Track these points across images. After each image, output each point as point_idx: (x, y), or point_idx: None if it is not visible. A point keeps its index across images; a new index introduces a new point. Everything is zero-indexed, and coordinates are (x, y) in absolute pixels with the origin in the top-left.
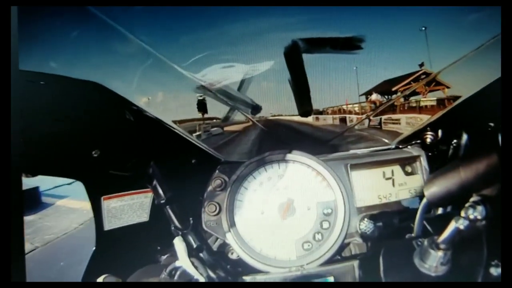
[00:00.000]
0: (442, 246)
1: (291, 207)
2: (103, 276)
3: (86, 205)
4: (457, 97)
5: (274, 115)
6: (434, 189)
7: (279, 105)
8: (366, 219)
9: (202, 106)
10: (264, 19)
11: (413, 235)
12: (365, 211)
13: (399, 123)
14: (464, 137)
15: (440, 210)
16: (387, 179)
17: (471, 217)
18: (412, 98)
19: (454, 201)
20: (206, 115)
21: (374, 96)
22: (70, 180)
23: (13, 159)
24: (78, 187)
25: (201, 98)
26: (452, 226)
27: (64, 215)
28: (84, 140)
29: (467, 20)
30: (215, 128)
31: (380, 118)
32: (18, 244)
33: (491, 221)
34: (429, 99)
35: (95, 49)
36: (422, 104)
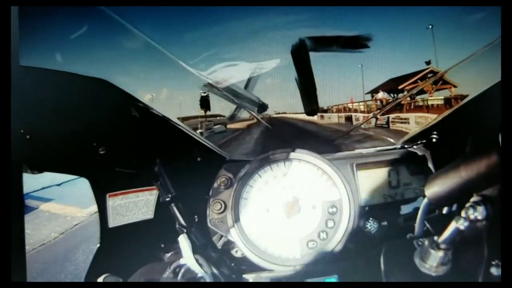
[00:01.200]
0: (442, 246)
1: (296, 205)
2: (103, 276)
3: (71, 210)
4: (464, 96)
5: (279, 113)
6: (435, 189)
7: (284, 102)
8: (371, 218)
9: (205, 103)
10: (271, 17)
11: (414, 235)
12: (370, 210)
13: (408, 123)
14: (469, 137)
15: (441, 210)
16: (393, 178)
17: (472, 217)
18: (419, 97)
19: (454, 201)
20: (208, 112)
21: (381, 94)
22: (58, 181)
23: (13, 159)
24: (66, 189)
25: (204, 95)
26: (452, 226)
27: (45, 222)
28: (90, 137)
29: (472, 18)
30: (217, 126)
31: (388, 117)
32: (19, 244)
33: (492, 221)
34: (436, 98)
35: (102, 46)
36: (429, 103)
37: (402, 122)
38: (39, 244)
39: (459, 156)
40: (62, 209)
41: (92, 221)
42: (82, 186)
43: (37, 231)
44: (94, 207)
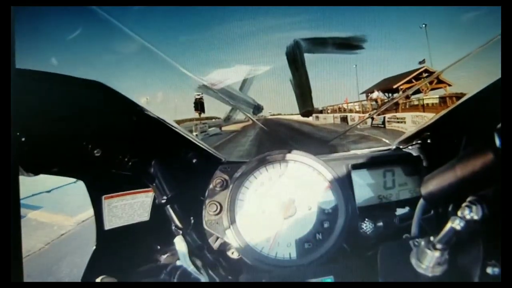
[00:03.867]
0: (438, 246)
1: (292, 207)
2: (100, 277)
3: (58, 218)
4: (459, 95)
5: (273, 115)
6: (431, 189)
7: (279, 104)
8: (366, 219)
9: (199, 105)
10: (266, 19)
11: (410, 235)
12: (365, 211)
13: (404, 122)
14: (464, 137)
15: (437, 210)
16: (388, 179)
17: (468, 217)
18: (414, 97)
19: (450, 201)
20: (203, 115)
21: (376, 94)
22: (48, 188)
23: (12, 160)
24: (56, 196)
25: (198, 97)
26: (448, 226)
27: (31, 231)
28: (86, 139)
29: (467, 17)
30: (212, 128)
31: (384, 117)
32: (16, 244)
33: (488, 221)
34: (431, 97)
35: (98, 49)
36: (424, 102)
37: (398, 122)
38: (24, 255)
39: (454, 156)
40: (50, 217)
41: (79, 230)
42: (72, 192)
43: (23, 241)
44: (82, 215)
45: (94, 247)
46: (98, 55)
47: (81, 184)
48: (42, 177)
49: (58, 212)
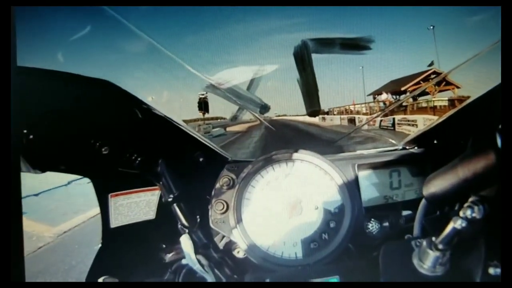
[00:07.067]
0: (440, 246)
1: (298, 206)
2: (102, 278)
3: (39, 228)
4: (468, 97)
5: (279, 115)
6: (433, 190)
7: (285, 105)
8: (372, 219)
9: (203, 105)
10: (274, 19)
11: (412, 235)
12: (371, 211)
13: (416, 125)
14: (471, 138)
15: (440, 211)
16: (394, 179)
17: (470, 217)
18: (422, 98)
19: (453, 202)
20: (207, 115)
21: (384, 96)
22: (36, 191)
23: (13, 159)
24: (42, 200)
25: (203, 96)
26: (450, 226)
27: None
28: (93, 137)
29: (474, 20)
30: (216, 129)
31: (393, 119)
32: (17, 244)
33: (490, 221)
34: (439, 99)
35: (105, 48)
36: (433, 104)
37: (409, 125)
38: None
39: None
40: (30, 226)
41: (57, 244)
42: (59, 197)
43: None
44: (64, 226)
45: (100, 245)
46: (105, 53)
47: (70, 188)
48: (30, 180)
49: (40, 220)
